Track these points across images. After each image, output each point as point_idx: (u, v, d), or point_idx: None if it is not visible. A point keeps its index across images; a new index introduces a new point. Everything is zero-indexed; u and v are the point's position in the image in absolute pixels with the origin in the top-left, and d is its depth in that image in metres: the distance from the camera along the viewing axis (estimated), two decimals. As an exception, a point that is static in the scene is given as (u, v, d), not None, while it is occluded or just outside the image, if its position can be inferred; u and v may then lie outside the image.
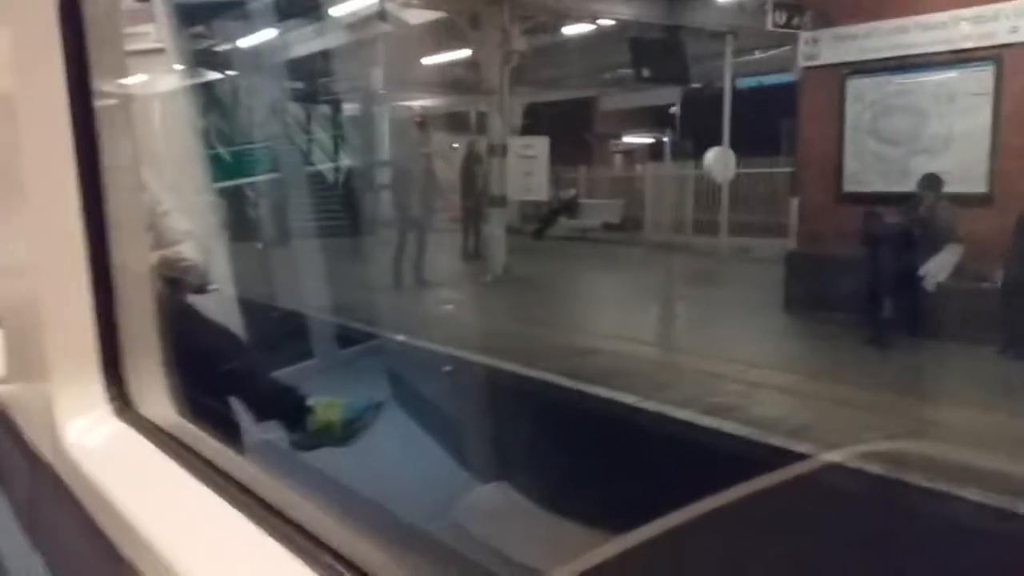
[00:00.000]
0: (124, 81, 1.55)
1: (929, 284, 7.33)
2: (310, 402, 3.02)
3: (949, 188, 7.69)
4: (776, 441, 4.91)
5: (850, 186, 8.99)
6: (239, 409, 2.81)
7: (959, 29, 8.00)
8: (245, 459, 1.79)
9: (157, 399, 1.57)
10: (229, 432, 2.56)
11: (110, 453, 1.37)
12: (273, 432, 2.96)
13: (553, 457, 3.86)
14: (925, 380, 6.39)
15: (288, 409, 3.01)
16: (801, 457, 4.56)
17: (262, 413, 2.97)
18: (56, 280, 1.40)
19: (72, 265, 1.37)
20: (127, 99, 1.61)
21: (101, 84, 1.30)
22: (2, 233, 1.64)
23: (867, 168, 8.86)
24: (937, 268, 7.37)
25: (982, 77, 7.91)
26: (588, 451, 3.97)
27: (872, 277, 7.60)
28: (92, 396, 1.45)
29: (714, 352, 7.34)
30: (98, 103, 1.29)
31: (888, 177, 8.57)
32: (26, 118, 1.29)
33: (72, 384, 1.46)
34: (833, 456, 1.41)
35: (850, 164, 8.99)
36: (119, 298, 1.46)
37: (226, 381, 2.84)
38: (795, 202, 9.75)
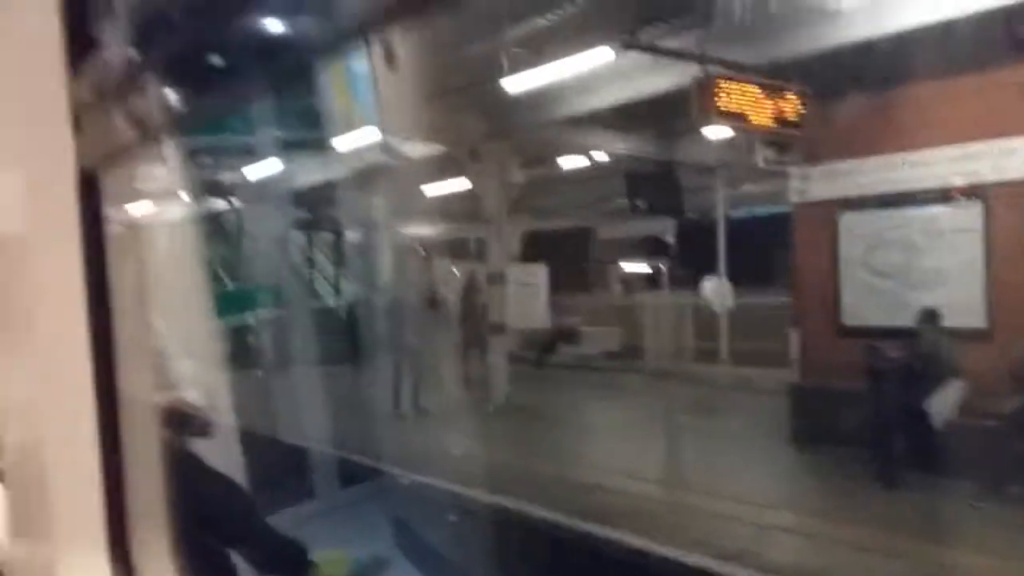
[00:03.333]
0: (135, 215, 1.56)
1: (936, 421, 7.23)
2: (313, 556, 2.92)
3: (948, 323, 7.70)
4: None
5: (849, 319, 9.03)
6: (242, 565, 2.71)
7: (946, 167, 8.22)
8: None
9: (162, 570, 1.50)
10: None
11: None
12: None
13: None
14: (938, 522, 6.22)
15: (290, 563, 2.90)
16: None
17: (264, 568, 2.86)
18: (62, 424, 1.37)
19: (79, 406, 1.34)
20: (138, 236, 1.61)
21: (113, 219, 1.30)
22: (10, 376, 1.61)
23: (864, 301, 8.92)
24: (942, 404, 7.29)
25: (971, 213, 8.07)
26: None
27: (877, 413, 7.52)
28: (97, 573, 1.38)
29: (722, 490, 7.16)
30: (110, 241, 1.29)
31: (885, 311, 8.61)
32: (37, 256, 1.29)
33: (76, 555, 1.41)
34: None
35: (847, 297, 9.06)
36: (126, 446, 1.42)
37: (228, 536, 2.75)
38: (794, 334, 9.75)
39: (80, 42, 1.13)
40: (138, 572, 1.45)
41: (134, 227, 1.54)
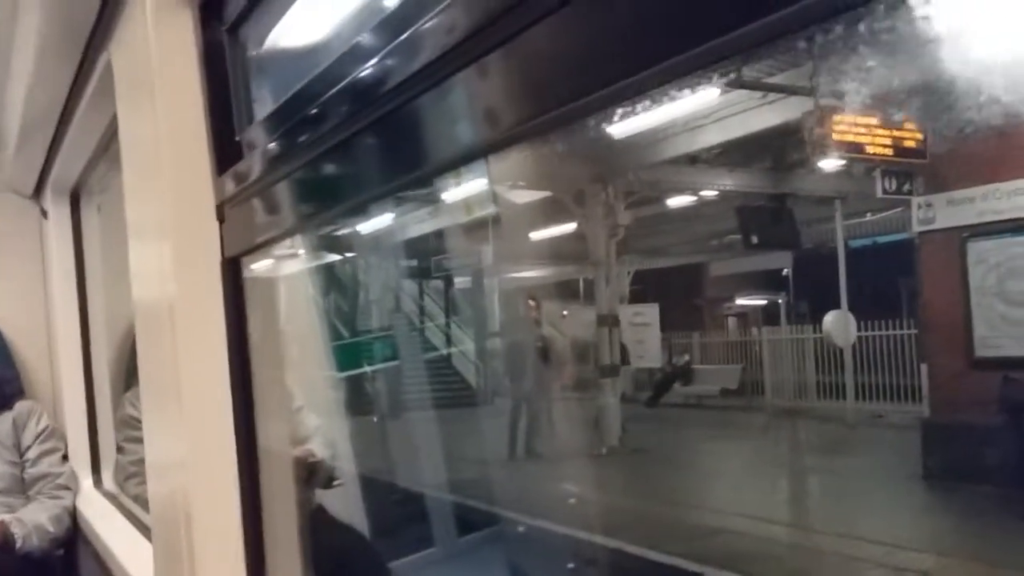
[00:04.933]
0: (267, 279, 1.66)
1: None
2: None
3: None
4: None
5: (982, 351, 8.56)
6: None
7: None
8: None
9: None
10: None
11: None
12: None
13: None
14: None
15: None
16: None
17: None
18: (207, 478, 1.44)
19: (223, 461, 1.41)
20: (270, 298, 1.70)
21: (250, 282, 1.39)
22: (159, 435, 1.72)
23: (999, 332, 8.45)
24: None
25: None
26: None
27: (1019, 446, 7.07)
28: None
29: (852, 531, 6.85)
30: (248, 304, 1.38)
31: (1023, 341, 8.14)
32: (184, 325, 1.39)
33: None
34: None
35: (979, 328, 8.61)
36: (265, 499, 1.48)
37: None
38: (925, 368, 9.33)
39: (225, 146, 1.26)
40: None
41: (267, 289, 1.64)
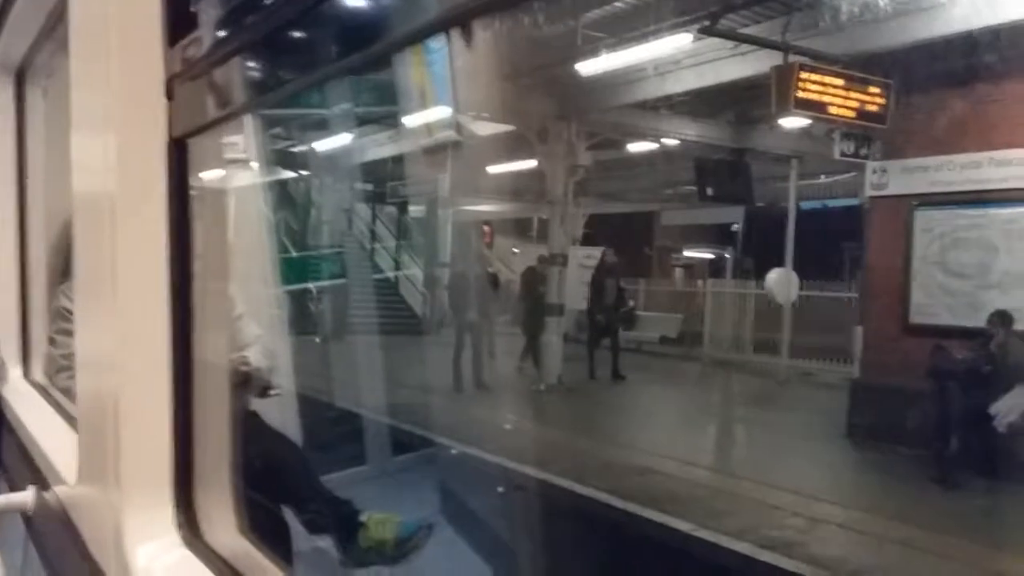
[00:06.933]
0: (214, 182, 1.61)
1: (1000, 424, 7.05)
2: (363, 517, 3.01)
3: (1021, 326, 7.48)
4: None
5: (916, 318, 8.82)
6: (295, 521, 2.81)
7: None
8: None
9: (223, 522, 1.55)
10: (287, 548, 2.57)
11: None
12: (326, 543, 2.94)
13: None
14: (997, 526, 6.07)
15: (341, 522, 3.00)
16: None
17: (316, 525, 2.96)
18: (137, 377, 1.41)
19: (155, 361, 1.38)
20: (216, 202, 1.66)
21: (197, 186, 1.34)
22: (90, 329, 1.68)
23: (934, 300, 8.70)
24: (1008, 408, 7.10)
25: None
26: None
27: (939, 413, 7.37)
28: (162, 521, 1.43)
29: (772, 481, 7.11)
30: (193, 206, 1.33)
31: (956, 311, 8.40)
32: (124, 217, 1.34)
33: (143, 503, 1.45)
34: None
35: (917, 295, 8.84)
36: (196, 402, 1.46)
37: (282, 493, 2.85)
38: (859, 330, 9.57)
39: (178, 17, 1.19)
40: (201, 522, 1.50)
41: (212, 193, 1.59)
